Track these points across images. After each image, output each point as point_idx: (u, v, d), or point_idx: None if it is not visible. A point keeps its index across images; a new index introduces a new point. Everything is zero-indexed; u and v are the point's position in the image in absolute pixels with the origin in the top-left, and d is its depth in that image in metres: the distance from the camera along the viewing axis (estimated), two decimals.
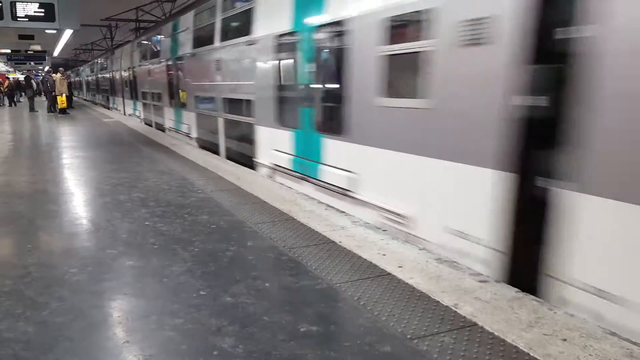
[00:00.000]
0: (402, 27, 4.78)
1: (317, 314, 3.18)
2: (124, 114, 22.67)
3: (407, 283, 3.58)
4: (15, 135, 14.76)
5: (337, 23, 5.61)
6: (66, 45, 32.10)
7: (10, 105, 31.69)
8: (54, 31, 19.62)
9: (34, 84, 27.85)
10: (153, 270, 3.92)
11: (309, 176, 6.48)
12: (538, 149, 3.46)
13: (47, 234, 4.99)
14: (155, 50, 15.57)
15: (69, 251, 4.43)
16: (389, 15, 4.76)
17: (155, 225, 5.11)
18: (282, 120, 7.16)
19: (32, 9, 14.34)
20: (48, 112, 23.33)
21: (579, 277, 3.18)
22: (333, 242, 4.52)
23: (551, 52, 3.32)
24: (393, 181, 4.92)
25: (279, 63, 7.25)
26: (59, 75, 22.39)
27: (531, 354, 2.64)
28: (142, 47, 17.90)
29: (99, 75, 32.25)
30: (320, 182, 6.18)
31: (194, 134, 11.98)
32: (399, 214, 4.80)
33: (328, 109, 6.18)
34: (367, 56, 5.08)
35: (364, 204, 5.34)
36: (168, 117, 14.39)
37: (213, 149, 10.55)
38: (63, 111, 22.37)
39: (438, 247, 4.30)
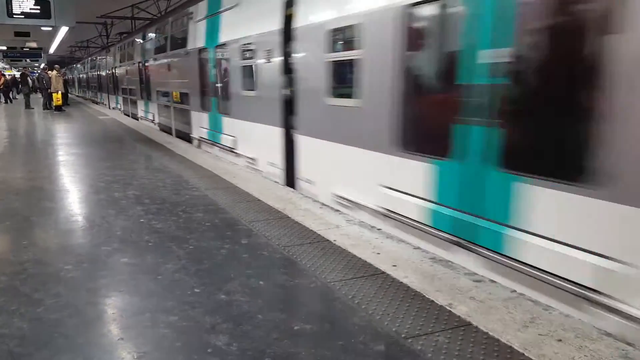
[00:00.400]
0: None
1: (311, 313, 3.19)
2: (109, 107, 25.68)
3: (401, 282, 3.59)
4: (11, 132, 14.71)
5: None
6: (62, 42, 32.05)
7: (6, 102, 31.55)
8: (50, 28, 19.53)
9: (30, 81, 27.69)
10: (147, 268, 3.92)
11: (216, 142, 9.90)
12: (289, 115, 6.74)
13: (43, 231, 4.97)
14: (130, 54, 18.97)
15: (64, 248, 4.42)
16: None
17: (150, 223, 5.10)
18: (203, 106, 10.57)
19: (28, 5, 14.27)
20: (44, 109, 23.23)
21: (303, 175, 6.48)
22: (328, 240, 4.52)
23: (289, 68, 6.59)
24: (248, 140, 8.41)
25: (201, 68, 10.49)
26: (54, 72, 22.31)
27: (526, 354, 2.65)
28: (121, 50, 21.63)
29: (89, 74, 35.86)
30: (221, 145, 9.58)
31: (156, 120, 15.32)
32: (251, 158, 8.25)
33: (223, 97, 9.48)
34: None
35: (240, 155, 8.75)
36: (140, 109, 17.76)
37: (168, 130, 13.90)
38: (59, 108, 22.29)
39: (267, 174, 7.59)
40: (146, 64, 16.86)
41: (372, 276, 3.70)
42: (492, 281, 3.60)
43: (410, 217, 4.50)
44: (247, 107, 8.24)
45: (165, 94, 14.72)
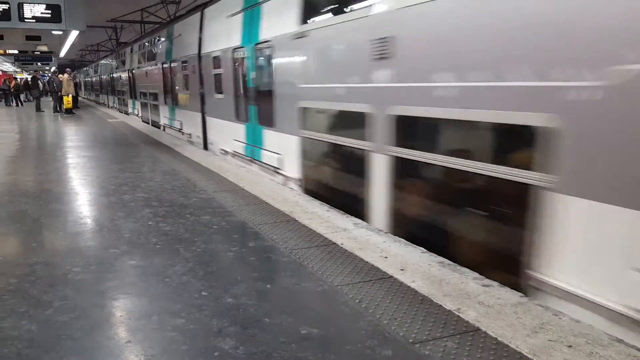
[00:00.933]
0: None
1: (318, 317, 3.17)
2: (108, 107, 28.18)
3: (409, 286, 3.57)
4: (22, 134, 14.84)
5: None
6: (72, 46, 32.25)
7: (17, 105, 31.85)
8: (60, 32, 19.72)
9: (40, 84, 27.95)
10: (155, 270, 3.93)
11: (170, 126, 13.59)
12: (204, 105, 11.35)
13: (52, 233, 5.00)
14: (122, 63, 22.54)
15: (73, 250, 4.44)
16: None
17: (158, 225, 5.12)
18: (168, 101, 14.42)
19: (39, 10, 14.42)
20: (54, 112, 23.42)
21: (209, 139, 11.50)
22: (335, 244, 4.51)
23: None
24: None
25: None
26: (66, 75, 22.52)
27: None
28: (116, 60, 26.29)
29: (93, 79, 40.38)
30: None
31: (140, 115, 19.26)
32: (189, 134, 12.38)
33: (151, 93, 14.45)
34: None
35: (183, 133, 12.25)
36: (130, 106, 21.55)
37: (146, 122, 17.86)
38: (69, 111, 22.48)
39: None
40: (132, 71, 18.80)
41: (380, 280, 3.69)
42: (501, 285, 3.57)
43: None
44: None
45: (143, 94, 17.00)
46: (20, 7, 14.17)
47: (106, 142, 12.63)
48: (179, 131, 13.90)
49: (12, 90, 32.47)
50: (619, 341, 2.80)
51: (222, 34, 9.90)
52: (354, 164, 5.68)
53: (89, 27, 16.82)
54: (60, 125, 18.04)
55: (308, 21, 6.55)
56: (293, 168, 7.19)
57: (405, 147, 4.76)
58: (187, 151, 10.69)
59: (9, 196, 6.52)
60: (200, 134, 12.01)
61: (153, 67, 16.90)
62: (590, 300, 3.18)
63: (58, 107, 23.47)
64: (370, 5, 5.12)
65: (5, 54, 26.31)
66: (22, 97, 33.30)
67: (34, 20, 14.42)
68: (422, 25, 4.44)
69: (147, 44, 18.37)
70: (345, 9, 5.76)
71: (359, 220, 5.28)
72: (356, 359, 2.67)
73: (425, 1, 4.28)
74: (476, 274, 3.78)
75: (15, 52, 26.95)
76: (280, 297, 3.49)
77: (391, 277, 3.74)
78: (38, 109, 25.02)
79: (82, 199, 6.55)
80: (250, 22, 8.44)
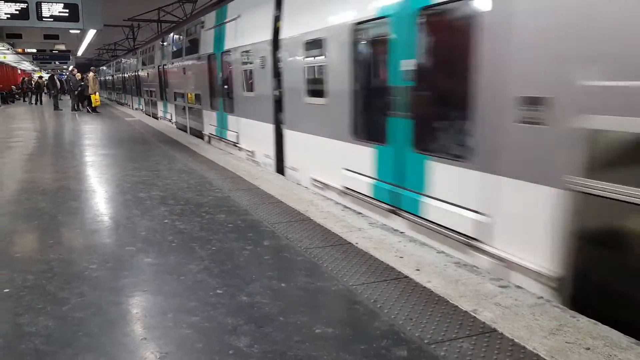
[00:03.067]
0: None
1: (333, 316, 3.16)
2: (133, 109, 27.64)
3: (424, 287, 3.54)
4: (40, 133, 15.03)
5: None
6: (90, 45, 32.63)
7: (35, 103, 32.30)
8: (78, 31, 19.95)
9: (58, 83, 28.30)
10: (171, 268, 3.95)
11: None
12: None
13: (69, 230, 5.05)
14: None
15: (90, 247, 4.48)
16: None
17: (174, 223, 5.15)
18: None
19: (57, 9, 14.59)
20: (72, 110, 23.68)
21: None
22: (350, 243, 4.50)
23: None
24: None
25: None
26: (91, 74, 22.78)
27: None
28: (124, 62, 30.01)
29: (113, 77, 39.34)
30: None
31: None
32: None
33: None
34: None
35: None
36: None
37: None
38: (94, 109, 22.75)
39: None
40: (140, 72, 21.15)
41: (395, 280, 3.67)
42: (518, 287, 3.53)
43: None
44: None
45: (147, 92, 19.60)
46: (38, 6, 14.35)
47: (122, 141, 12.74)
48: (234, 145, 10.44)
49: (32, 89, 32.99)
50: (637, 344, 2.75)
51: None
52: None
53: (106, 26, 16.97)
54: (77, 123, 18.25)
55: None
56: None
57: None
58: (203, 150, 10.73)
59: (27, 194, 6.61)
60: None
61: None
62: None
63: (77, 106, 23.70)
64: None
65: (23, 53, 26.67)
66: (39, 95, 33.78)
67: (52, 20, 14.59)
68: None
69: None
70: None
71: (374, 220, 5.26)
72: (371, 359, 2.65)
73: None
74: (492, 275, 3.74)
75: (34, 51, 27.31)
76: (295, 296, 3.48)
77: (406, 277, 3.72)
78: (56, 107, 25.33)
79: (99, 196, 6.61)
80: None
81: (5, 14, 14.24)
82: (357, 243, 4.48)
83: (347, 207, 4.62)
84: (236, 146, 10.45)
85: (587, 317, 3.04)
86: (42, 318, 3.12)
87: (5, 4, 14.20)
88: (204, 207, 5.80)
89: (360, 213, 5.54)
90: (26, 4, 14.25)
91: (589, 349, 2.70)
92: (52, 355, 2.71)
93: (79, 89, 23.39)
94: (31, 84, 35.21)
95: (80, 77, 23.88)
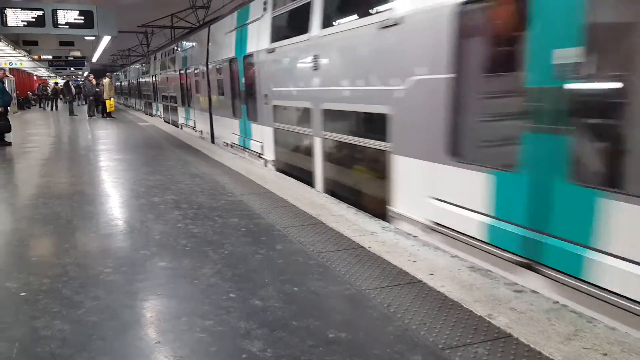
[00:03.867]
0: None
1: (346, 320, 3.15)
2: (152, 116, 25.67)
3: (438, 291, 3.52)
4: (56, 138, 15.21)
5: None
6: (104, 51, 32.99)
7: (51, 109, 32.72)
8: (93, 38, 20.18)
9: (73, 89, 28.65)
10: (184, 272, 3.96)
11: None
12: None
13: (84, 234, 5.10)
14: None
15: (104, 251, 4.52)
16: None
17: (187, 227, 5.17)
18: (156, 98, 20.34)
19: (72, 16, 14.80)
20: (89, 115, 23.94)
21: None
22: (362, 247, 4.48)
23: None
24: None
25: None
26: (107, 80, 23.05)
27: None
28: (129, 71, 33.54)
29: (130, 82, 40.00)
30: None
31: (139, 107, 23.26)
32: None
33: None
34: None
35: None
36: (137, 104, 25.86)
37: (149, 114, 20.58)
38: (110, 114, 22.99)
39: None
40: (140, 80, 24.38)
41: (408, 284, 3.65)
42: (534, 292, 3.49)
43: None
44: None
45: (145, 96, 23.07)
46: (54, 13, 14.58)
47: (137, 146, 12.85)
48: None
49: (48, 94, 33.44)
50: None
51: None
52: None
53: (120, 32, 17.17)
54: (92, 128, 18.44)
55: None
56: None
57: None
58: (216, 154, 10.79)
59: (43, 198, 6.68)
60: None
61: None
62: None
63: (93, 111, 23.94)
64: None
65: (39, 60, 27.05)
66: (56, 102, 34.21)
67: (68, 26, 14.82)
68: None
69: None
70: None
71: (387, 224, 5.24)
72: None
73: None
74: (507, 279, 3.71)
75: (49, 57, 27.69)
76: (308, 300, 3.48)
77: (420, 281, 3.70)
78: (71, 112, 25.64)
79: (114, 201, 6.67)
80: None
81: (22, 21, 14.49)
82: (369, 247, 4.47)
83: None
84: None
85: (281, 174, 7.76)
86: (57, 322, 3.14)
87: (22, 11, 14.44)
88: (216, 211, 5.83)
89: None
90: (42, 11, 14.49)
91: (606, 354, 2.66)
92: (68, 358, 2.73)
93: (95, 95, 23.64)
94: (46, 90, 35.68)
95: (95, 82, 24.15)
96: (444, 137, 4.43)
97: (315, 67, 6.98)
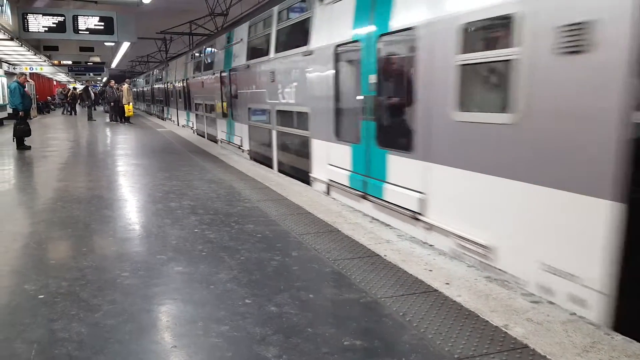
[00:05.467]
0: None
1: (361, 328, 3.15)
2: (179, 125, 23.05)
3: (454, 301, 3.50)
4: (74, 143, 15.41)
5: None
6: (123, 57, 33.41)
7: (70, 113, 33.19)
8: (113, 44, 20.46)
9: (92, 94, 29.05)
10: (201, 277, 3.99)
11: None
12: None
13: (102, 238, 5.15)
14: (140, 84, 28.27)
15: (122, 255, 4.56)
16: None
17: (204, 233, 5.21)
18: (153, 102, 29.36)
19: (93, 22, 15.02)
20: (110, 120, 24.22)
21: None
22: (378, 255, 4.48)
23: None
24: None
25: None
26: (126, 86, 23.37)
27: None
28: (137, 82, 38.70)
29: (167, 84, 42.39)
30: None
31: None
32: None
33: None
34: None
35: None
36: (147, 107, 30.42)
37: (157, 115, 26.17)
38: (127, 119, 23.24)
39: None
40: (145, 87, 28.12)
41: (424, 293, 3.63)
42: (551, 303, 3.46)
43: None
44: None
45: (158, 100, 26.45)
46: (75, 19, 14.80)
47: (154, 151, 12.97)
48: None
49: (68, 99, 33.92)
50: None
51: None
52: None
53: (139, 38, 17.39)
54: (110, 133, 18.67)
55: None
56: None
57: None
58: (232, 161, 10.85)
59: (62, 202, 6.77)
60: None
61: None
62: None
63: (114, 117, 24.20)
64: None
65: (59, 65, 27.46)
66: (76, 106, 34.68)
67: (88, 32, 15.04)
68: None
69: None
70: None
71: (403, 232, 5.22)
72: None
73: None
74: (524, 290, 3.67)
75: (69, 62, 28.10)
76: (323, 307, 3.48)
77: (436, 290, 3.68)
78: (90, 117, 25.97)
79: (131, 205, 6.74)
80: None
81: (43, 26, 14.73)
82: (385, 255, 4.46)
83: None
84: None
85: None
86: (75, 324, 3.18)
87: (43, 17, 14.70)
88: (233, 217, 5.86)
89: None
90: (63, 17, 14.72)
91: None
92: None
93: (116, 100, 23.91)
94: (65, 95, 36.15)
95: (116, 87, 24.47)
96: (334, 126, 7.02)
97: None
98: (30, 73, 26.75)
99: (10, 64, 24.68)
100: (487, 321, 3.18)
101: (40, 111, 32.51)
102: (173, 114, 25.18)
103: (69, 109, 33.66)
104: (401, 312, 3.33)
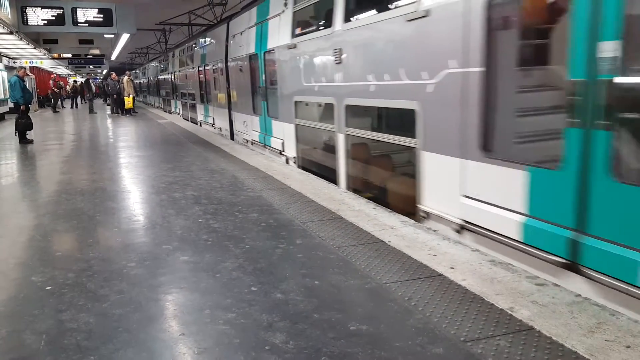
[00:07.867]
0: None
1: (367, 313, 3.16)
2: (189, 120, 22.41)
3: (459, 284, 3.51)
4: (77, 135, 15.43)
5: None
6: (123, 48, 33.31)
7: (71, 107, 33.16)
8: (112, 36, 20.39)
9: (93, 87, 29.02)
10: (206, 266, 4.01)
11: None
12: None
13: (107, 230, 5.18)
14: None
15: (127, 246, 4.59)
16: None
17: (208, 222, 5.23)
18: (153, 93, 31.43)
19: (92, 14, 14.97)
20: (112, 113, 24.21)
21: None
22: (382, 241, 4.49)
23: None
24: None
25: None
26: (126, 78, 23.30)
27: None
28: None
29: (175, 74, 42.14)
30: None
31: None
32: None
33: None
34: None
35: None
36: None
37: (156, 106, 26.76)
38: (129, 111, 23.19)
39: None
40: (141, 80, 31.29)
41: (429, 278, 3.65)
42: (556, 285, 3.47)
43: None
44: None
45: (153, 92, 31.37)
46: (73, 11, 14.75)
47: (156, 142, 12.99)
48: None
49: (69, 93, 33.89)
50: None
51: None
52: None
53: (139, 30, 17.31)
54: (112, 126, 18.67)
55: None
56: None
57: None
58: (234, 151, 10.85)
59: (66, 194, 6.80)
60: None
61: None
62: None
63: (116, 109, 24.18)
64: None
65: (59, 58, 27.39)
66: (77, 100, 34.65)
67: (87, 25, 15.00)
68: None
69: None
70: None
71: (406, 218, 5.23)
72: (406, 356, 2.65)
73: None
74: (529, 273, 3.69)
75: (69, 55, 28.03)
76: (329, 293, 3.50)
77: (440, 275, 3.70)
78: (91, 110, 25.96)
79: (135, 196, 6.76)
80: None
81: (42, 19, 14.70)
82: (389, 241, 4.47)
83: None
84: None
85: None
86: (83, 314, 3.21)
87: (42, 10, 14.65)
88: (236, 206, 5.88)
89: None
90: (62, 10, 14.68)
91: (629, 347, 2.64)
92: (94, 350, 2.78)
93: (117, 92, 23.88)
94: (65, 88, 36.05)
95: (116, 79, 24.44)
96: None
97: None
98: (30, 67, 26.70)
99: (10, 58, 24.64)
100: (493, 304, 3.19)
101: (42, 105, 32.41)
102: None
103: (71, 103, 33.62)
104: (406, 296, 3.35)
